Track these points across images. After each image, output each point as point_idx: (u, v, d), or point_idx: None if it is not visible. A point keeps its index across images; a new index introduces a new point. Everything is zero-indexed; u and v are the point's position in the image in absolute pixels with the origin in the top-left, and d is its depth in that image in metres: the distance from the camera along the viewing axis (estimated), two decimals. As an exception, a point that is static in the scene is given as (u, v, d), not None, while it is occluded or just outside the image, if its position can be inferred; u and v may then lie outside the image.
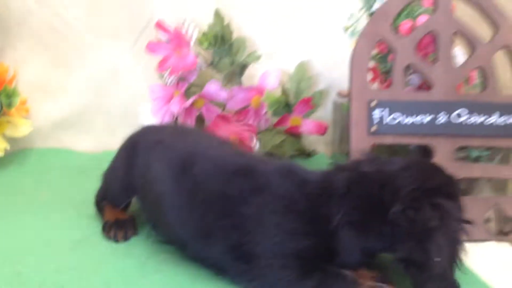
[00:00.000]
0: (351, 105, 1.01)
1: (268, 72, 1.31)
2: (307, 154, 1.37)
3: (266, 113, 1.29)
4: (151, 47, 1.24)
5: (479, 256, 0.91)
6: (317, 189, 0.80)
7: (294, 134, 1.33)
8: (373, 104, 1.01)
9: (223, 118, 1.27)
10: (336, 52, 1.30)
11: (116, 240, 0.95)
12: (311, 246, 0.78)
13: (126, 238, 0.95)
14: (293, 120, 1.33)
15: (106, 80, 1.38)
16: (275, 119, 1.32)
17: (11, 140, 1.29)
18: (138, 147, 0.98)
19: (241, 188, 0.82)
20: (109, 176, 1.05)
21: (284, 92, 1.33)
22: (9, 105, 1.24)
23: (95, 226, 0.99)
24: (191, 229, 0.84)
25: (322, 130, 1.33)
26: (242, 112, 1.31)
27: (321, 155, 1.39)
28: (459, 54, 1.09)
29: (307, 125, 1.33)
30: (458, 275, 0.76)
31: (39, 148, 1.37)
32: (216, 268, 0.83)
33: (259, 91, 1.30)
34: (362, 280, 0.78)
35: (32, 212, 1.05)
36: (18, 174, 1.26)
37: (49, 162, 1.32)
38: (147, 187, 0.93)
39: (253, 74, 1.35)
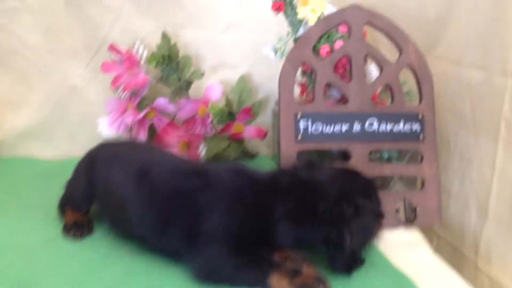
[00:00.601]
0: (280, 117, 1.18)
1: (212, 86, 1.46)
2: (251, 156, 1.54)
3: (211, 121, 1.45)
4: (106, 67, 1.39)
5: (390, 240, 1.10)
6: (263, 187, 0.97)
7: (237, 139, 1.50)
8: (298, 116, 1.18)
9: (172, 126, 1.43)
10: (273, 65, 1.46)
11: (75, 238, 1.08)
12: (247, 230, 0.94)
13: (82, 236, 1.09)
14: (236, 127, 1.49)
15: (65, 95, 1.51)
16: (220, 127, 1.48)
17: None
18: (96, 162, 1.13)
19: (195, 184, 0.97)
20: (71, 186, 1.17)
21: (228, 102, 1.49)
22: None
23: (59, 227, 1.12)
24: (150, 225, 0.99)
25: (262, 135, 1.50)
26: (190, 121, 1.46)
27: (264, 156, 1.56)
28: (374, 70, 1.27)
29: (249, 131, 1.50)
30: (368, 255, 0.96)
31: (5, 157, 1.48)
32: (172, 256, 0.98)
33: (205, 102, 1.45)
34: (285, 260, 0.94)
35: (1, 216, 1.17)
36: None
37: (15, 169, 1.43)
38: (107, 194, 1.08)
39: (200, 87, 1.51)
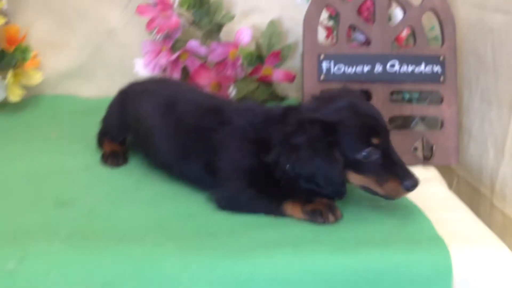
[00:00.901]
0: (303, 58, 1.23)
1: (242, 30, 1.51)
2: (280, 98, 1.60)
3: (241, 64, 1.52)
4: (141, 10, 1.45)
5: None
6: (270, 123, 1.03)
7: (266, 82, 1.55)
8: (321, 57, 1.23)
9: (204, 68, 1.50)
10: (303, 10, 1.50)
11: (111, 166, 1.19)
12: (258, 165, 1.00)
13: (118, 164, 1.19)
14: (265, 70, 1.54)
15: (104, 37, 1.59)
16: (249, 70, 1.54)
17: (26, 88, 1.49)
18: (128, 97, 1.24)
19: (212, 121, 1.06)
20: (107, 119, 1.28)
21: (258, 46, 1.55)
22: (23, 60, 1.46)
23: (98, 156, 1.23)
24: (174, 154, 1.09)
25: (290, 78, 1.55)
26: (221, 63, 1.52)
27: (293, 99, 1.62)
28: (399, 13, 1.30)
29: (277, 74, 1.55)
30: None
31: (49, 95, 1.58)
32: (194, 183, 1.07)
33: (235, 45, 1.51)
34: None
35: (46, 146, 1.28)
36: (33, 116, 1.48)
37: (58, 106, 1.54)
38: (138, 126, 1.18)
39: (231, 31, 1.56)
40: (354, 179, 0.98)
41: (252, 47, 1.55)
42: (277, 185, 0.99)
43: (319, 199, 0.98)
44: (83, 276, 0.82)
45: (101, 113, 1.39)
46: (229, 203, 1.01)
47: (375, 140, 0.95)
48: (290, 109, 1.04)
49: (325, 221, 0.95)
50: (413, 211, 1.01)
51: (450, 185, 1.38)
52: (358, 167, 0.96)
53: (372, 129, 0.96)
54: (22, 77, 1.49)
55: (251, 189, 1.00)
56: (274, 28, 1.55)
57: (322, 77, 1.23)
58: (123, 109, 1.24)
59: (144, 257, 0.85)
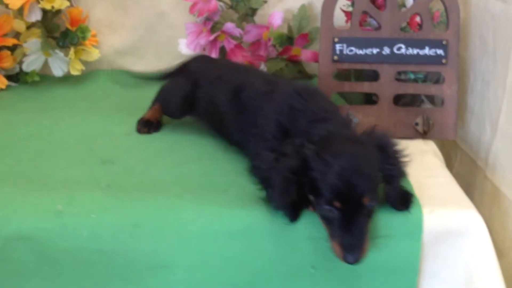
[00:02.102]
0: (320, 40, 1.39)
1: (275, 13, 1.67)
2: (308, 76, 1.76)
3: (272, 45, 1.69)
4: (185, -4, 1.65)
5: (406, 147, 1.30)
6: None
7: (294, 61, 1.72)
8: (335, 40, 1.38)
9: (239, 48, 1.68)
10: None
11: (140, 133, 1.36)
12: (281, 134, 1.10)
13: (149, 133, 1.36)
14: (294, 50, 1.71)
15: (155, 19, 1.78)
16: (280, 50, 1.72)
17: (85, 63, 1.69)
18: (201, 80, 1.34)
19: (261, 103, 1.18)
20: (170, 93, 1.40)
21: (289, 28, 1.71)
22: (83, 38, 1.65)
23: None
24: (239, 131, 1.23)
25: (317, 58, 1.70)
26: (255, 44, 1.70)
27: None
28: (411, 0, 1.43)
29: (305, 54, 1.70)
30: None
31: (105, 70, 1.78)
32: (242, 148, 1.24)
33: (268, 28, 1.69)
34: None
35: (99, 114, 1.48)
36: (90, 88, 1.68)
37: (113, 80, 1.74)
38: (211, 109, 1.31)
39: (266, 14, 1.73)
40: (322, 223, 1.01)
41: (284, 29, 1.71)
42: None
43: None
44: (117, 218, 1.03)
45: (150, 87, 1.62)
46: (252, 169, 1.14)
47: (336, 204, 0.96)
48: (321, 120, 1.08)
49: None
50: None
51: (454, 159, 1.52)
52: (323, 216, 0.99)
53: (340, 194, 0.95)
54: (82, 53, 1.68)
55: (271, 153, 1.06)
56: (304, 12, 1.70)
57: (335, 57, 1.38)
58: (193, 91, 1.34)
59: (167, 206, 1.05)
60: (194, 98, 1.35)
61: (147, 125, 1.39)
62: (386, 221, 1.04)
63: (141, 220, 1.03)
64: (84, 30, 1.67)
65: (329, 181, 0.95)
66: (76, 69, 1.68)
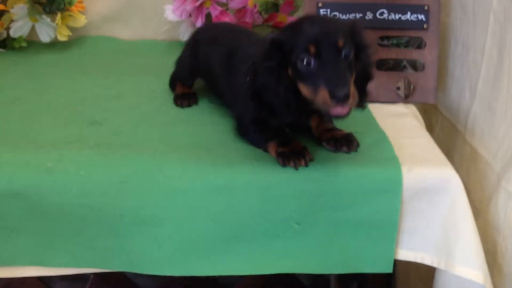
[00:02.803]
0: (305, 5, 1.42)
1: (260, -20, 1.71)
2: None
3: (257, 11, 1.70)
4: (171, -39, 1.66)
5: (387, 110, 1.34)
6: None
7: (280, 27, 1.74)
8: (320, 5, 1.41)
9: (224, 14, 1.69)
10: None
11: (181, 106, 1.34)
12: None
13: (189, 105, 1.35)
14: (280, 17, 1.73)
15: (141, -16, 1.80)
16: (266, 16, 1.74)
17: (72, 29, 1.71)
18: (200, 43, 1.37)
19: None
20: (180, 63, 1.43)
21: (274, -5, 1.74)
22: (70, 4, 1.65)
23: (128, 87, 1.45)
24: (230, 91, 1.26)
25: (302, 25, 1.73)
26: (241, 10, 1.72)
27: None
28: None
29: (290, 21, 1.73)
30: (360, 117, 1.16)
31: (92, 36, 1.79)
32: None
33: (254, -6, 1.71)
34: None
35: (86, 78, 1.50)
36: (77, 53, 1.70)
37: (99, 46, 1.75)
38: (208, 70, 1.34)
39: (251, -19, 1.75)
40: (304, 91, 1.00)
41: (270, -4, 1.73)
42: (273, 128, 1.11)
43: (297, 144, 1.08)
44: (104, 175, 1.06)
45: (135, 53, 1.65)
46: (239, 131, 1.19)
47: (311, 48, 0.96)
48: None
49: (284, 164, 1.05)
50: (380, 137, 1.20)
51: (435, 124, 1.56)
52: (301, 77, 0.99)
53: (310, 37, 0.97)
54: (69, 19, 1.69)
55: (252, 125, 1.15)
56: (288, -21, 1.72)
57: (319, 23, 1.40)
58: (195, 54, 1.38)
59: (153, 163, 1.08)
60: (197, 60, 1.37)
61: (186, 98, 1.37)
62: (366, 178, 1.08)
63: (128, 177, 1.06)
64: (70, -4, 1.68)
65: (302, 33, 0.98)
66: (63, 35, 1.69)
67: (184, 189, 1.06)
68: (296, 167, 1.05)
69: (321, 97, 0.95)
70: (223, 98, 1.33)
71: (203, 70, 1.38)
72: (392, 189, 1.08)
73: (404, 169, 1.09)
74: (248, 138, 1.17)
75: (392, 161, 1.11)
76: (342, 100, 0.93)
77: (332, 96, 0.93)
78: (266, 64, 1.03)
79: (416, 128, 1.28)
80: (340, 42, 0.97)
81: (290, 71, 1.02)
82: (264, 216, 1.08)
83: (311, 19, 1.04)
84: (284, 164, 1.06)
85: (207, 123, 1.27)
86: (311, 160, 1.07)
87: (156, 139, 1.18)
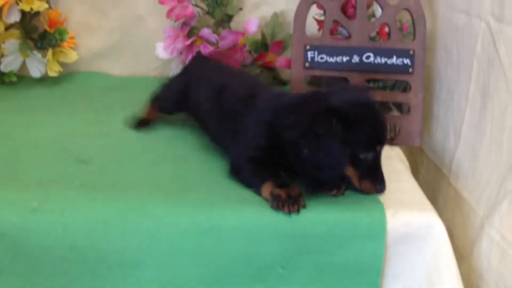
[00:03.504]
0: (292, 48, 1.44)
1: (250, 20, 1.71)
2: (283, 83, 1.80)
3: (247, 51, 1.73)
4: (163, 1, 1.67)
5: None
6: (286, 108, 1.15)
7: (269, 67, 1.76)
8: (307, 47, 1.43)
9: (217, 53, 1.71)
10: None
11: (137, 129, 1.41)
12: (265, 146, 1.15)
13: (143, 127, 1.42)
14: (269, 57, 1.75)
15: (133, 22, 1.80)
16: (255, 56, 1.76)
17: (63, 65, 1.71)
18: (190, 80, 1.41)
19: (243, 107, 1.23)
20: (166, 91, 1.46)
21: (263, 35, 1.76)
22: (61, 40, 1.67)
23: (117, 125, 1.45)
24: (219, 131, 1.29)
25: (291, 65, 1.75)
26: (232, 49, 1.74)
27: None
28: (379, 9, 1.48)
29: (280, 61, 1.75)
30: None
31: (83, 72, 1.80)
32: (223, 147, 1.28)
33: (244, 34, 1.73)
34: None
35: (76, 115, 1.51)
36: (67, 89, 1.70)
37: (91, 82, 1.76)
38: (196, 106, 1.37)
39: (242, 21, 1.77)
40: (350, 173, 1.11)
41: (259, 36, 1.76)
42: (272, 168, 1.14)
43: (294, 190, 1.08)
44: (88, 216, 1.06)
45: (126, 89, 1.66)
46: (232, 169, 1.20)
47: (378, 148, 1.12)
48: (312, 97, 1.15)
49: (278, 208, 1.06)
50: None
51: (420, 166, 1.58)
52: (354, 161, 1.10)
53: (380, 137, 1.13)
54: (60, 55, 1.69)
55: (249, 163, 1.15)
56: (276, 20, 1.75)
57: (307, 64, 1.42)
58: (184, 90, 1.41)
59: (138, 204, 1.08)
60: (186, 95, 1.40)
61: (142, 123, 1.44)
62: (351, 223, 1.09)
63: (111, 218, 1.06)
64: (62, 32, 1.69)
65: (373, 131, 1.10)
66: (54, 71, 1.70)
67: (168, 232, 1.06)
68: (289, 213, 1.06)
69: (367, 186, 1.13)
70: (211, 135, 1.34)
71: (191, 105, 1.40)
72: (377, 234, 1.09)
73: (389, 214, 1.10)
74: (241, 177, 1.17)
75: (376, 206, 1.12)
76: (381, 193, 1.14)
77: (377, 190, 1.13)
78: (332, 136, 1.06)
79: (401, 171, 1.29)
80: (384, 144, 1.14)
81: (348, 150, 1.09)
82: (249, 260, 1.08)
83: (374, 106, 1.14)
84: (277, 208, 1.06)
85: (193, 162, 1.28)
86: (304, 207, 1.08)
87: (142, 178, 1.19)
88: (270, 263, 1.08)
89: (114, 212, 1.07)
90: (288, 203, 1.06)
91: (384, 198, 1.14)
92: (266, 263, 1.08)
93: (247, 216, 1.08)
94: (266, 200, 1.09)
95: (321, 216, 1.09)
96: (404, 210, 1.12)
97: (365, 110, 1.11)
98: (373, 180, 1.12)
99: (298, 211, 1.06)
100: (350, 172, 1.11)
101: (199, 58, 1.60)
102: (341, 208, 1.11)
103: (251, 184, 1.14)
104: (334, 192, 1.13)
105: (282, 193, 1.07)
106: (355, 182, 1.12)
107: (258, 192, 1.12)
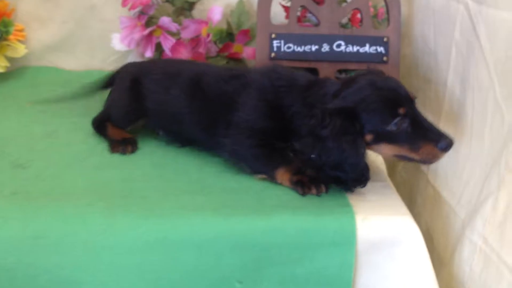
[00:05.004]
0: (257, 36, 1.31)
1: (213, 8, 1.58)
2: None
3: (211, 41, 1.60)
4: (116, -13, 1.55)
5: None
6: (287, 87, 1.10)
7: (236, 59, 1.63)
8: (273, 36, 1.31)
9: (180, 44, 1.58)
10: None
11: (124, 153, 1.19)
12: (271, 127, 1.09)
13: (132, 151, 1.19)
14: (236, 47, 1.62)
15: (86, 12, 1.66)
16: (221, 47, 1.63)
17: (11, 59, 1.59)
18: (146, 82, 1.24)
19: (235, 86, 1.14)
20: (114, 105, 1.30)
21: (228, 24, 1.63)
22: (7, 32, 1.54)
23: (62, 124, 1.32)
24: (202, 124, 1.16)
25: (259, 56, 1.63)
26: (195, 40, 1.61)
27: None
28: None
29: (247, 52, 1.62)
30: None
31: (34, 66, 1.66)
32: (212, 149, 1.16)
33: (207, 23, 1.60)
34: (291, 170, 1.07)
35: (20, 113, 1.38)
36: (15, 86, 1.57)
37: (41, 77, 1.63)
38: (162, 108, 1.22)
39: (205, 9, 1.64)
40: (388, 149, 1.04)
41: (224, 25, 1.63)
42: (280, 151, 1.08)
43: (309, 171, 1.05)
44: (18, 229, 0.93)
45: (80, 85, 1.52)
46: (235, 153, 1.11)
47: (401, 110, 1.01)
48: (315, 83, 1.10)
49: (305, 193, 1.03)
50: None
51: (398, 163, 1.46)
52: (390, 138, 1.02)
53: (395, 100, 1.02)
54: (7, 49, 1.57)
55: (256, 149, 1.09)
56: (242, 7, 1.62)
57: (273, 55, 1.30)
58: (137, 94, 1.25)
59: (75, 215, 0.96)
60: (140, 102, 1.25)
61: (128, 142, 1.22)
62: (316, 229, 0.97)
63: (44, 231, 0.94)
64: (7, 24, 1.56)
65: (381, 101, 1.01)
66: (0, 66, 1.57)
67: (110, 245, 0.94)
68: (319, 194, 1.04)
69: (426, 151, 1.01)
70: (189, 132, 1.20)
71: (151, 112, 1.25)
72: (346, 241, 0.97)
73: (359, 219, 0.98)
74: (248, 164, 1.10)
75: (345, 210, 1.00)
76: (450, 148, 1.01)
77: (442, 148, 1.01)
78: (345, 138, 1.00)
79: (376, 171, 1.17)
80: (412, 95, 1.04)
81: (368, 137, 1.03)
82: (202, 274, 0.96)
83: (375, 80, 1.05)
84: (305, 193, 1.04)
85: (143, 166, 1.15)
86: (327, 184, 1.05)
87: (83, 185, 1.06)
88: (226, 277, 0.97)
89: (47, 224, 0.95)
90: (314, 185, 1.04)
91: (354, 200, 1.03)
92: (221, 277, 0.97)
93: (199, 226, 0.96)
94: (282, 185, 1.07)
95: (282, 223, 0.97)
96: (376, 214, 1.00)
97: (367, 88, 1.04)
98: (429, 141, 1.01)
99: (326, 190, 1.04)
100: (394, 149, 1.03)
101: (129, 65, 1.41)
102: (305, 213, 0.99)
103: (261, 170, 1.10)
104: (313, 191, 1.05)
105: (303, 178, 1.05)
106: (412, 155, 1.02)
107: (270, 178, 1.08)
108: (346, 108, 1.02)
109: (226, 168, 1.14)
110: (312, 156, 1.02)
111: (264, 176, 1.09)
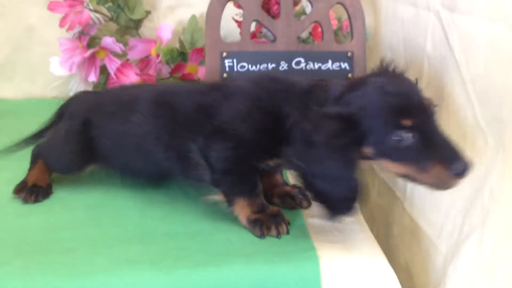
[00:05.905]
0: (206, 55, 1.17)
1: (163, 25, 1.44)
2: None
3: (161, 61, 1.45)
4: (52, 6, 1.39)
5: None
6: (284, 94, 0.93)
7: (190, 79, 1.49)
8: (224, 54, 1.17)
9: (127, 66, 1.43)
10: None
11: (25, 202, 1.01)
12: (259, 138, 0.92)
13: (35, 201, 1.01)
14: (189, 67, 1.48)
15: (24, 34, 1.53)
16: (173, 67, 1.49)
17: None
18: (95, 116, 1.05)
19: (215, 96, 0.96)
20: (56, 149, 1.08)
21: (180, 43, 1.49)
22: None
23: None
24: (174, 148, 0.97)
25: (215, 76, 1.49)
26: (144, 61, 1.47)
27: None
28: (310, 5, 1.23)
29: (201, 72, 1.48)
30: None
31: None
32: (184, 175, 0.99)
33: (156, 42, 1.46)
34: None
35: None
36: None
37: None
38: (121, 144, 1.03)
39: (155, 27, 1.50)
40: (392, 167, 0.85)
41: (176, 44, 1.49)
42: (253, 175, 0.93)
43: (273, 208, 0.93)
44: None
45: (19, 114, 1.36)
46: (208, 157, 0.93)
47: (406, 121, 0.81)
48: (318, 86, 0.93)
49: (263, 234, 0.90)
50: (296, 217, 0.96)
51: (372, 188, 1.33)
52: (394, 154, 0.83)
53: (401, 109, 0.82)
54: None
55: (230, 162, 0.92)
56: (195, 24, 1.49)
57: (224, 75, 1.16)
58: (85, 135, 1.05)
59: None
60: (90, 147, 1.05)
61: (34, 191, 1.03)
62: (274, 278, 0.83)
63: None
64: None
65: (383, 107, 0.83)
66: None
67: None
68: (278, 236, 0.90)
69: (435, 174, 0.81)
70: (159, 163, 1.01)
71: (109, 151, 1.05)
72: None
73: (324, 264, 0.84)
74: (215, 171, 0.93)
75: (309, 255, 0.86)
76: (465, 174, 0.80)
77: (455, 172, 0.80)
78: (337, 147, 0.83)
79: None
80: (428, 102, 0.85)
81: (368, 150, 0.85)
82: None
83: (385, 83, 0.86)
84: (262, 234, 0.90)
85: (75, 209, 0.99)
86: (289, 223, 0.93)
87: (2, 237, 0.90)
88: None
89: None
90: (274, 224, 0.91)
91: (318, 241, 0.88)
92: None
93: (134, 285, 0.80)
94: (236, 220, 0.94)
95: (234, 275, 0.83)
96: (344, 255, 0.86)
97: (373, 92, 0.85)
98: (439, 162, 0.81)
99: (287, 231, 0.91)
100: (398, 168, 0.85)
101: (78, 95, 1.19)
102: (261, 261, 0.85)
103: (223, 187, 0.94)
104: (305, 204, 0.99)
105: (261, 216, 0.92)
106: (420, 177, 0.84)
107: (227, 202, 0.94)
108: (344, 114, 0.84)
109: (173, 209, 0.99)
110: (301, 165, 0.86)
111: (221, 197, 0.94)
